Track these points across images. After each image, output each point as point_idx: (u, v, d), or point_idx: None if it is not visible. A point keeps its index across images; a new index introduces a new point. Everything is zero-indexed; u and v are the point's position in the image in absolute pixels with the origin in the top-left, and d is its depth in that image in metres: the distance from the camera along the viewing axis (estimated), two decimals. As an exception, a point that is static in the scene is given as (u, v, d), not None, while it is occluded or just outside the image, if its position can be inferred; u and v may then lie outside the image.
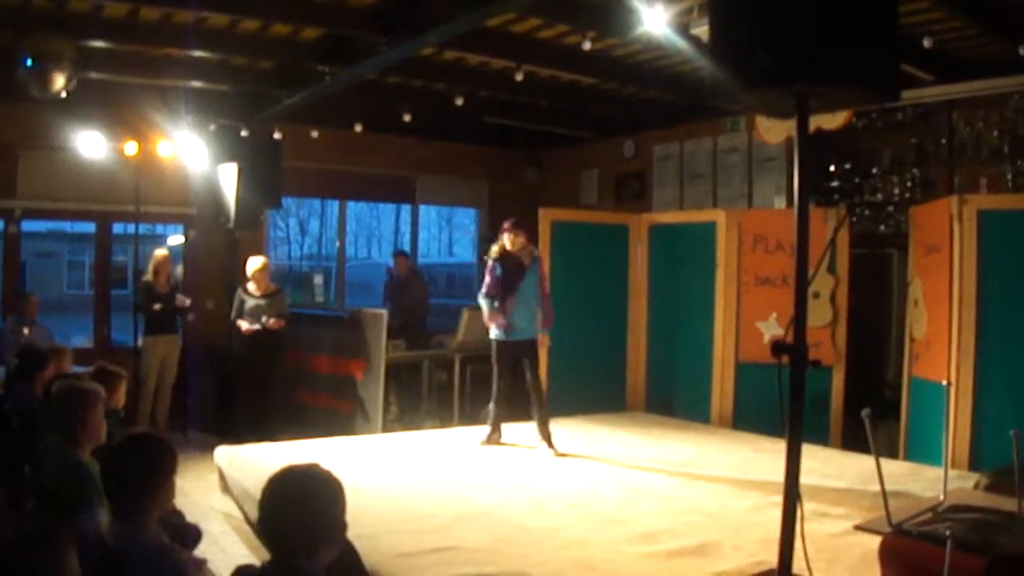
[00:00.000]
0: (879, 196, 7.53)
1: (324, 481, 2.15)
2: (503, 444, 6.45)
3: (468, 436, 6.73)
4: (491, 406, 6.55)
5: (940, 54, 6.31)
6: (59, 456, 3.22)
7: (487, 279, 6.50)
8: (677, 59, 7.17)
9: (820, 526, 4.21)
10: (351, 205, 14.07)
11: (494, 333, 6.45)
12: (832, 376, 6.86)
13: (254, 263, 7.78)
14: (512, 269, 6.36)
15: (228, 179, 8.08)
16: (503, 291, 6.34)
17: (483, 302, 6.49)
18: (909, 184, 7.34)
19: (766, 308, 7.20)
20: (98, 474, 3.12)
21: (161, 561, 2.41)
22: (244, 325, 7.56)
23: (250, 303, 7.64)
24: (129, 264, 8.53)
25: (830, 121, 6.59)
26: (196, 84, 7.78)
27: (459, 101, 8.19)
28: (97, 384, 3.55)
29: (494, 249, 6.50)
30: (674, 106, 8.82)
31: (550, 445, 6.19)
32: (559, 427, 7.09)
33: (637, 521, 4.52)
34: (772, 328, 7.10)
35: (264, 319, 7.53)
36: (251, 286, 7.72)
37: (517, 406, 8.46)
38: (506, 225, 6.47)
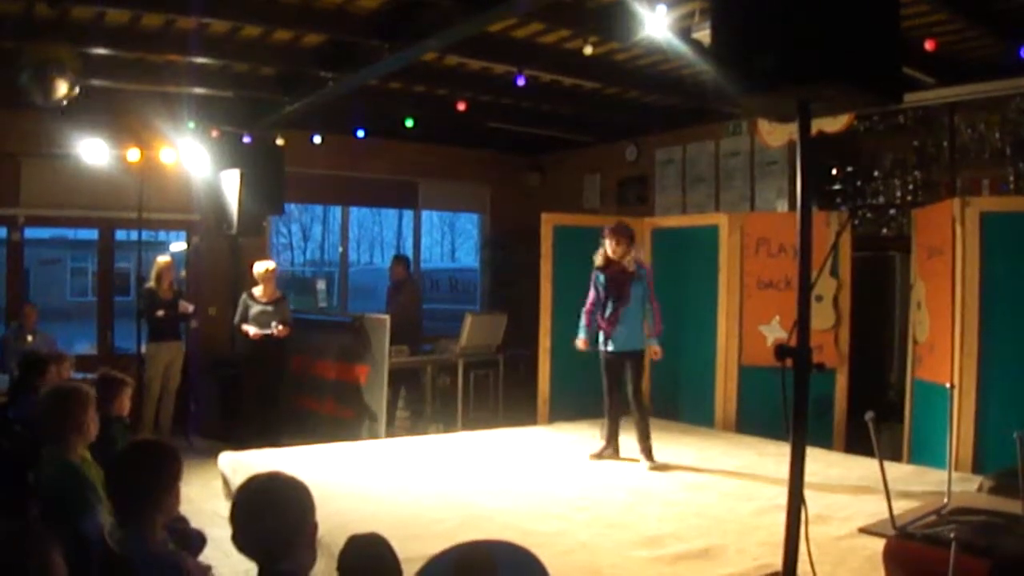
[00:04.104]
0: (881, 199, 7.52)
1: (291, 486, 2.19)
2: (619, 459, 6.15)
3: (472, 440, 6.74)
4: (605, 420, 6.25)
5: (942, 56, 6.31)
6: (54, 461, 3.21)
7: (590, 294, 6.22)
8: (679, 63, 7.17)
9: (824, 529, 4.21)
10: (353, 210, 14.10)
11: (600, 345, 6.15)
12: (835, 379, 6.85)
13: (262, 265, 7.80)
14: (616, 277, 6.07)
15: (230, 185, 8.10)
16: (608, 300, 6.07)
17: (581, 322, 6.24)
18: (911, 187, 7.34)
19: (769, 311, 7.20)
20: (95, 476, 3.13)
21: (166, 567, 2.42)
22: (252, 330, 7.55)
23: (255, 309, 7.64)
24: (132, 271, 8.54)
25: (832, 124, 6.60)
26: (198, 91, 7.80)
27: (461, 106, 8.21)
28: (85, 385, 3.54)
29: (597, 257, 6.18)
30: (676, 110, 8.82)
31: (649, 457, 5.95)
32: (563, 432, 7.11)
33: (642, 525, 4.52)
34: (775, 331, 7.10)
35: (273, 325, 7.53)
36: (257, 291, 7.73)
37: (516, 409, 8.50)
38: (606, 231, 6.15)
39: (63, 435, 3.25)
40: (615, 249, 6.05)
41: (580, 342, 6.26)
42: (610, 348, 6.09)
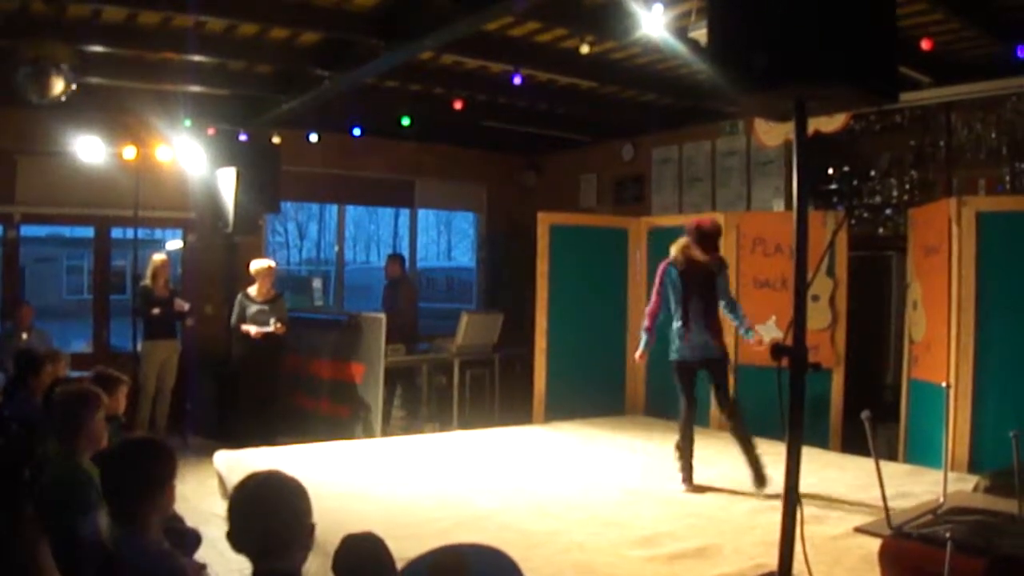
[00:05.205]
0: (877, 198, 7.53)
1: (288, 485, 2.19)
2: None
3: (468, 440, 6.73)
4: (680, 442, 5.45)
5: (938, 56, 6.31)
6: (60, 460, 3.21)
7: (653, 296, 5.54)
8: (675, 62, 7.17)
9: (820, 528, 4.21)
10: (350, 209, 14.05)
11: (679, 353, 5.48)
12: (831, 379, 6.86)
13: (262, 263, 7.79)
14: (698, 277, 5.46)
15: (227, 183, 8.09)
16: (684, 304, 5.43)
17: (643, 333, 5.53)
18: (907, 186, 7.34)
19: (765, 311, 7.18)
20: (98, 479, 3.12)
21: (161, 566, 2.41)
22: (253, 329, 7.52)
23: (252, 309, 7.62)
24: (128, 269, 8.52)
25: (828, 124, 6.60)
26: (195, 88, 7.78)
27: (458, 105, 8.20)
28: (98, 388, 3.54)
29: (673, 253, 5.49)
30: (672, 109, 8.82)
31: (760, 478, 5.19)
32: (558, 431, 7.10)
33: (637, 524, 4.52)
34: (771, 331, 7.08)
35: (272, 322, 7.52)
36: (252, 290, 7.71)
37: (511, 408, 8.49)
38: (684, 239, 5.46)
39: (74, 437, 3.24)
40: (700, 255, 5.44)
41: (639, 356, 5.61)
42: (694, 356, 5.47)
